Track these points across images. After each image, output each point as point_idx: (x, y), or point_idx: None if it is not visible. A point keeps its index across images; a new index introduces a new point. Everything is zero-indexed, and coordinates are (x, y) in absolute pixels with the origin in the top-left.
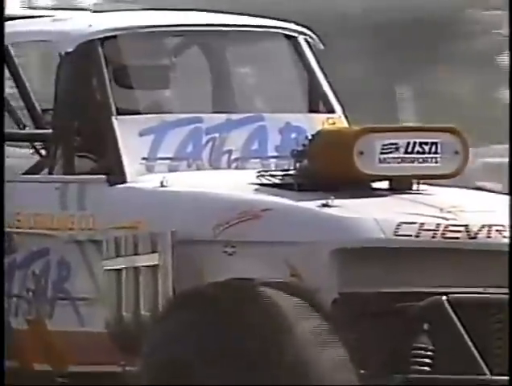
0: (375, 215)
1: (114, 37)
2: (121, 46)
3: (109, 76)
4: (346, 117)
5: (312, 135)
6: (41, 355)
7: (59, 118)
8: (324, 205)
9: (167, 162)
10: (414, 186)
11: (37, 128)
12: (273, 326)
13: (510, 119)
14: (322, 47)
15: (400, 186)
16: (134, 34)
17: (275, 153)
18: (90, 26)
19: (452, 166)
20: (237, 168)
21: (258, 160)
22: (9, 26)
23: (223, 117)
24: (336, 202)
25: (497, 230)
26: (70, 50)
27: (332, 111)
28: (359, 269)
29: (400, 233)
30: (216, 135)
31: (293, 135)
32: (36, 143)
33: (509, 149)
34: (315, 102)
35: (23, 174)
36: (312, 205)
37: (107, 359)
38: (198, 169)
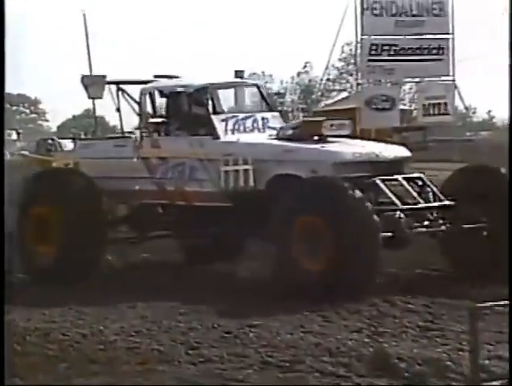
0: (343, 149)
1: (207, 87)
2: (209, 90)
3: (207, 100)
4: (281, 114)
5: (302, 121)
6: (180, 198)
7: (182, 114)
8: (322, 146)
9: (230, 130)
10: (332, 138)
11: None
12: (350, 195)
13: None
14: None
15: (325, 139)
16: (212, 85)
17: (262, 127)
18: (199, 82)
19: (348, 131)
20: (251, 133)
21: (256, 130)
22: (156, 83)
23: (243, 115)
24: (325, 145)
25: (383, 153)
26: (191, 91)
27: (275, 112)
28: (341, 169)
29: (354, 156)
30: (244, 121)
31: (265, 121)
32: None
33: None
34: (269, 109)
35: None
36: (317, 146)
37: (218, 201)
38: (241, 133)
